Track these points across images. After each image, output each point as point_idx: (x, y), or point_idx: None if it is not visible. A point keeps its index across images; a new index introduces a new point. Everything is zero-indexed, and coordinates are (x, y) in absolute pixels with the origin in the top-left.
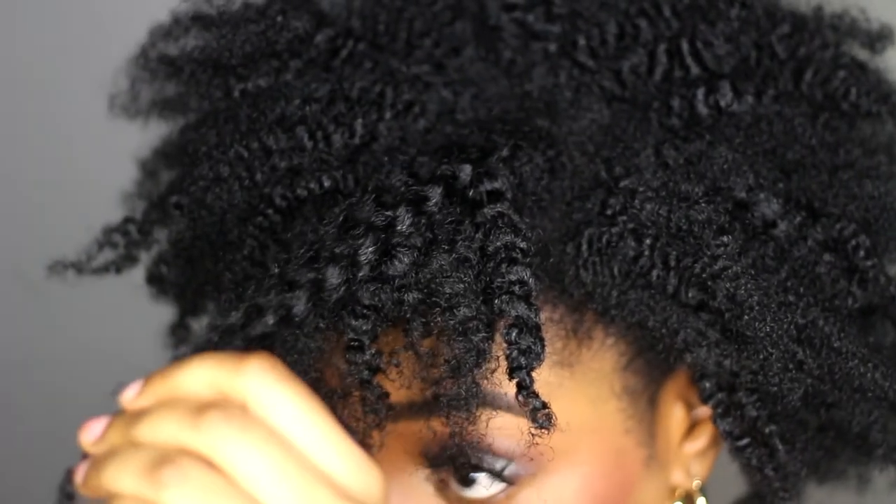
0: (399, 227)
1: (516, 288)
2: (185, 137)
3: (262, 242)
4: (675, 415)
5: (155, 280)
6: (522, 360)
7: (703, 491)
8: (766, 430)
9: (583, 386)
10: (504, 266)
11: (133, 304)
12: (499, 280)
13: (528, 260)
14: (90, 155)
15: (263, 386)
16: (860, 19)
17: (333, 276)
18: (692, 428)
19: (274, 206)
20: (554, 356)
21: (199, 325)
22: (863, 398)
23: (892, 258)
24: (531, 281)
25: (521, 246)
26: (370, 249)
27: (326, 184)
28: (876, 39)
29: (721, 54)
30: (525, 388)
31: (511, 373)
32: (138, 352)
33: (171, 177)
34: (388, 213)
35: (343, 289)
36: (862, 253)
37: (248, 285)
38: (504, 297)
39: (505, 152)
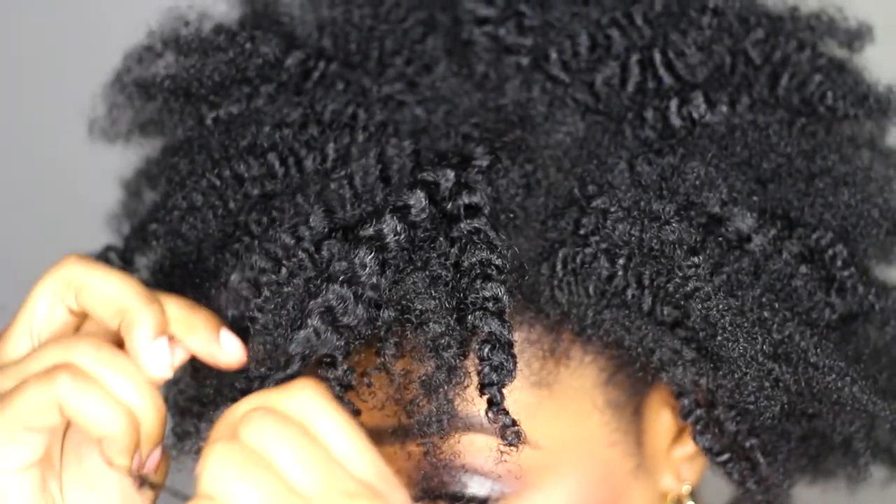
0: (388, 240)
1: (490, 304)
2: (163, 162)
3: (238, 270)
4: (661, 421)
5: None
6: (494, 377)
7: (693, 495)
8: (747, 444)
9: (563, 403)
10: (478, 282)
11: None
12: (472, 296)
13: (502, 277)
14: (74, 177)
15: (309, 402)
16: (837, 18)
17: (340, 295)
18: (680, 433)
19: (249, 233)
20: (532, 377)
21: None
22: (842, 410)
23: (871, 265)
24: (505, 297)
25: (496, 263)
26: (370, 263)
27: (307, 209)
28: (854, 38)
29: (694, 63)
30: (495, 405)
31: (482, 388)
32: None
33: (154, 198)
34: (377, 225)
35: (353, 308)
36: (839, 262)
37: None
38: (477, 313)
39: (484, 161)
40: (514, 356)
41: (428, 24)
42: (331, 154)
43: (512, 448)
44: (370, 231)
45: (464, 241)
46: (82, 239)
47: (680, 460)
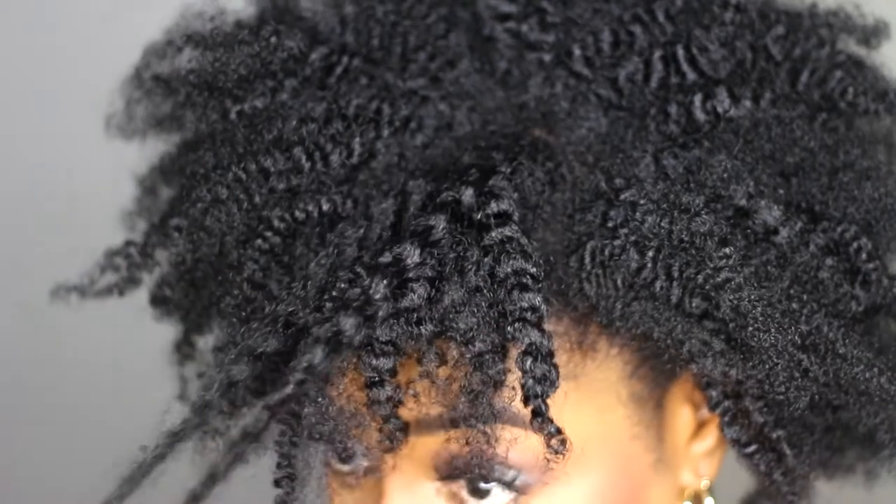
0: (408, 262)
1: (528, 314)
2: (183, 157)
3: (261, 265)
4: (682, 416)
5: (158, 302)
6: (538, 389)
7: (711, 491)
8: (774, 436)
9: (589, 396)
10: (515, 293)
11: (137, 321)
12: (510, 307)
13: (538, 286)
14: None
15: None
16: (855, 15)
17: (348, 323)
18: (699, 428)
19: (273, 228)
20: (560, 369)
21: (204, 342)
22: (869, 401)
23: (891, 258)
24: (542, 307)
25: (531, 271)
26: (382, 288)
27: (325, 206)
28: (871, 35)
29: (717, 59)
30: (541, 415)
31: (526, 401)
32: (143, 368)
33: (170, 194)
34: (396, 249)
35: (361, 332)
36: (864, 255)
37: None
38: (517, 324)
39: (506, 169)
40: (555, 366)
41: (450, 20)
42: (357, 149)
43: (558, 456)
44: (388, 258)
45: (497, 250)
46: (94, 235)
47: (699, 456)
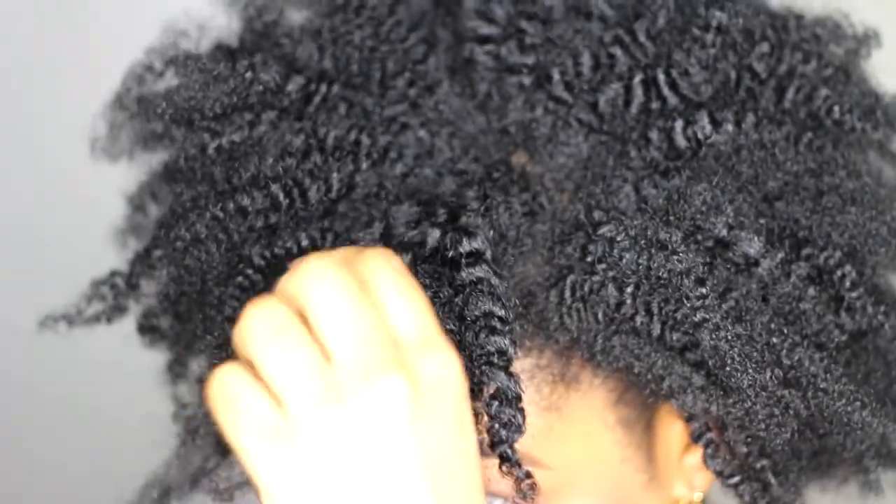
0: None
1: (495, 358)
2: (166, 181)
3: (242, 302)
4: (673, 431)
5: (146, 330)
6: (504, 434)
7: (705, 502)
8: (758, 465)
9: (574, 425)
10: (483, 335)
11: (129, 346)
12: (478, 350)
13: (507, 328)
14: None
15: (377, 263)
16: (843, 24)
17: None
18: (691, 441)
19: (253, 265)
20: (542, 402)
21: (197, 364)
22: (852, 431)
23: (881, 282)
24: (511, 350)
25: (500, 314)
26: None
27: (304, 242)
28: (861, 44)
29: (698, 82)
30: (508, 460)
31: (493, 446)
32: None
33: (158, 215)
34: None
35: None
36: (848, 283)
37: None
38: (485, 367)
39: (478, 206)
40: (522, 410)
41: (430, 41)
42: (335, 184)
43: (527, 500)
44: None
45: (467, 291)
46: (87, 252)
47: (691, 468)
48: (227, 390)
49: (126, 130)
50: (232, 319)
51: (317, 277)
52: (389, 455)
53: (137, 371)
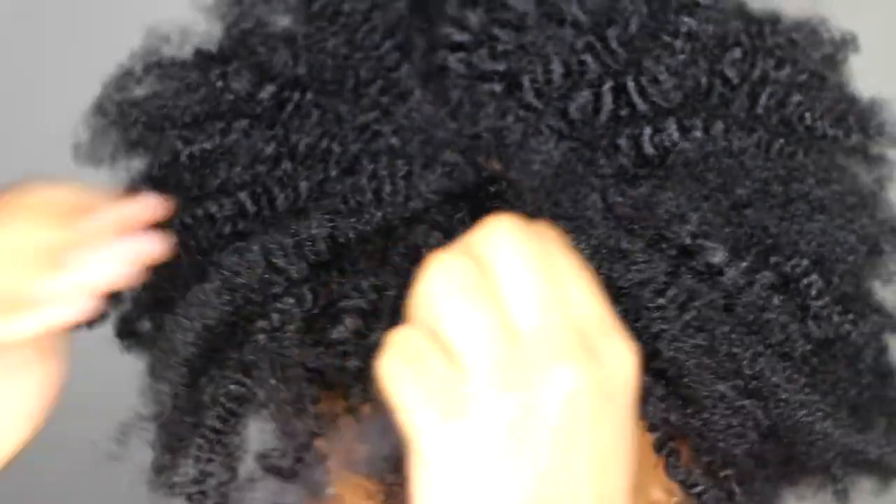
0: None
1: None
2: (145, 187)
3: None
4: (647, 437)
5: (125, 335)
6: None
7: None
8: (721, 475)
9: None
10: None
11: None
12: None
13: None
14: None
15: (554, 238)
16: (820, 29)
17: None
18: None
19: (221, 273)
20: None
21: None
22: (815, 441)
23: (850, 290)
24: None
25: None
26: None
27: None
28: (839, 49)
29: (668, 88)
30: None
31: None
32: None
33: None
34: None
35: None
36: (814, 292)
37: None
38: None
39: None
40: None
41: (404, 49)
42: (303, 192)
43: None
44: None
45: None
46: None
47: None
48: (409, 347)
49: (107, 136)
50: (207, 327)
51: (511, 242)
52: (562, 444)
53: (119, 372)
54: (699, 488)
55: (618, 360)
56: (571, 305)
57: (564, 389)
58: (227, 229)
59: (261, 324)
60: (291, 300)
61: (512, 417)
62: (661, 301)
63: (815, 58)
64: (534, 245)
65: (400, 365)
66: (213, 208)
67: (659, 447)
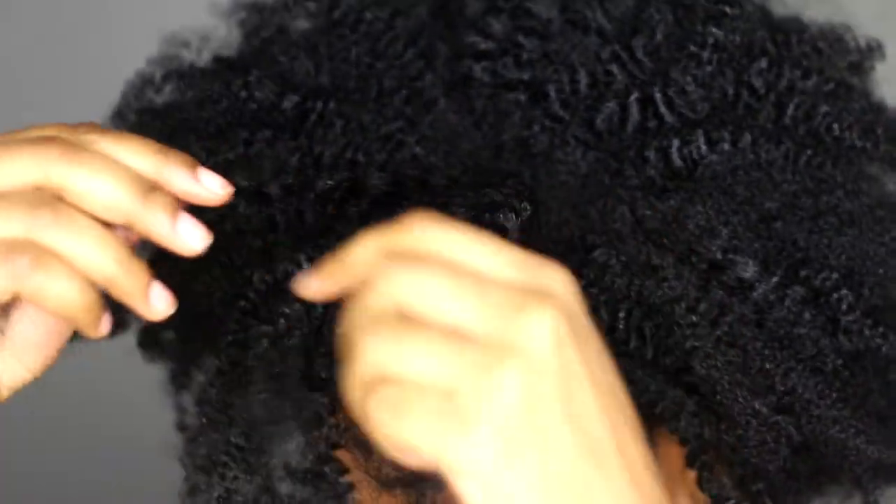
0: None
1: None
2: None
3: (244, 325)
4: (674, 445)
5: (147, 346)
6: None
7: None
8: (754, 489)
9: None
10: None
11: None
12: None
13: None
14: None
15: (429, 231)
16: (846, 37)
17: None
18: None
19: (255, 288)
20: None
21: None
22: (847, 456)
23: (880, 304)
24: None
25: None
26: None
27: (305, 266)
28: (865, 56)
29: (695, 100)
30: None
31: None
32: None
33: None
34: None
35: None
36: (844, 306)
37: None
38: None
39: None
40: None
41: (427, 58)
42: (331, 203)
43: None
44: None
45: None
46: None
47: (694, 480)
48: (387, 392)
49: None
50: (235, 343)
51: (397, 281)
52: (567, 375)
53: (139, 381)
54: (731, 502)
55: (561, 283)
56: (494, 265)
57: (546, 331)
58: (258, 243)
59: (264, 329)
60: (299, 307)
61: (513, 389)
62: (693, 318)
63: (841, 66)
64: (419, 265)
65: (388, 413)
66: (242, 221)
67: (691, 461)
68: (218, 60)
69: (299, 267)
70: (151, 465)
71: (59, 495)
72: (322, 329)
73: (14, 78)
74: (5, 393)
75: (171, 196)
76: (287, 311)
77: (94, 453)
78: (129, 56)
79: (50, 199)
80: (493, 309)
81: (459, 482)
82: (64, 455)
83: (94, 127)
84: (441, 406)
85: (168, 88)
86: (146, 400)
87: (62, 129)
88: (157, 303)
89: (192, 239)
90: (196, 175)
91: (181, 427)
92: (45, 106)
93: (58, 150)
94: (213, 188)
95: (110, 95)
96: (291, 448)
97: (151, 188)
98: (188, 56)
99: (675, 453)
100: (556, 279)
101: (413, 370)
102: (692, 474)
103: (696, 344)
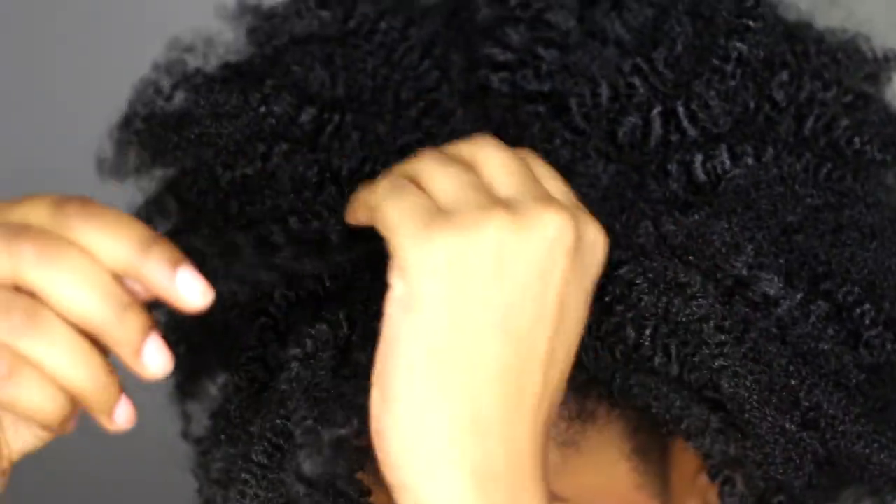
0: None
1: None
2: (174, 194)
3: (264, 341)
4: (688, 451)
5: None
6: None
7: None
8: (775, 502)
9: (591, 458)
10: None
11: None
12: None
13: None
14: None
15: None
16: (863, 47)
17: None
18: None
19: (276, 304)
20: (559, 437)
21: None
22: (870, 470)
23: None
24: None
25: None
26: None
27: (328, 283)
28: (882, 68)
29: (717, 113)
30: None
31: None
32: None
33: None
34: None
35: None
36: (867, 321)
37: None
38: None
39: None
40: None
41: (442, 68)
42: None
43: None
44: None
45: None
46: None
47: (705, 486)
48: (396, 182)
49: (134, 152)
50: (254, 359)
51: (494, 145)
52: (534, 283)
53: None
54: None
55: (596, 241)
56: (560, 193)
57: (550, 235)
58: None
59: (294, 351)
60: (326, 329)
61: (493, 239)
62: (722, 337)
63: (858, 77)
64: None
65: (385, 192)
66: (264, 235)
67: (714, 475)
68: (228, 67)
69: (320, 283)
70: (151, 467)
71: (60, 496)
72: (349, 350)
73: (15, 80)
74: (15, 457)
75: (145, 318)
76: (314, 332)
77: (95, 453)
78: (129, 56)
79: (23, 301)
80: (528, 191)
81: (395, 273)
82: (64, 455)
83: (81, 205)
84: (432, 209)
85: (177, 97)
86: (147, 400)
87: (48, 207)
88: (120, 417)
89: (154, 364)
90: (175, 276)
91: (188, 437)
92: (46, 107)
93: (31, 247)
94: (191, 295)
95: (110, 95)
96: (313, 467)
97: (127, 305)
98: (193, 62)
99: (688, 458)
100: (598, 234)
101: (435, 185)
102: (703, 480)
103: (725, 363)
